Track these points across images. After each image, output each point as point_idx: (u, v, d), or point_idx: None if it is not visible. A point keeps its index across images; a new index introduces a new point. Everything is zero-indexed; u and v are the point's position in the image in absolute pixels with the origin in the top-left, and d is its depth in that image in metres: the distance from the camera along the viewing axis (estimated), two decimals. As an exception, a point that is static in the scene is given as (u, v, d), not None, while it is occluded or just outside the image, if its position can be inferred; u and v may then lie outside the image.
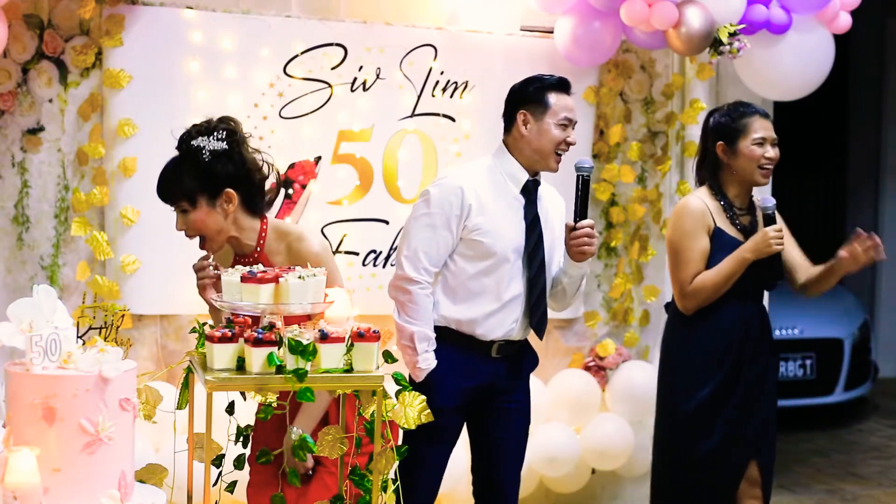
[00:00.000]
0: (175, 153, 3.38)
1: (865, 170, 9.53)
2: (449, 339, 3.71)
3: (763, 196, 4.09)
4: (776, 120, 5.67)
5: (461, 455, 4.26)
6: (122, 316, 3.14)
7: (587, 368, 5.24)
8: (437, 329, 3.71)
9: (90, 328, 2.99)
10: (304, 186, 4.73)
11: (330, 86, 4.73)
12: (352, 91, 4.76)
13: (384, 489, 2.93)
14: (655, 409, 4.27)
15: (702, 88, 5.33)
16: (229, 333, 2.81)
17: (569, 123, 3.73)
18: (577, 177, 3.70)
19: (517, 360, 3.83)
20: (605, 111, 5.21)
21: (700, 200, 4.07)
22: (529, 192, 3.76)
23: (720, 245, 4.01)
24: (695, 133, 5.37)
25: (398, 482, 2.98)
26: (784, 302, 6.09)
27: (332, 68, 4.72)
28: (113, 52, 4.41)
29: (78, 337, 2.71)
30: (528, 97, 3.75)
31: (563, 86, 3.77)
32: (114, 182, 4.47)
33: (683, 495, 4.12)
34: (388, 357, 2.95)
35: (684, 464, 4.10)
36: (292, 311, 2.85)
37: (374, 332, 2.84)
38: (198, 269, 3.37)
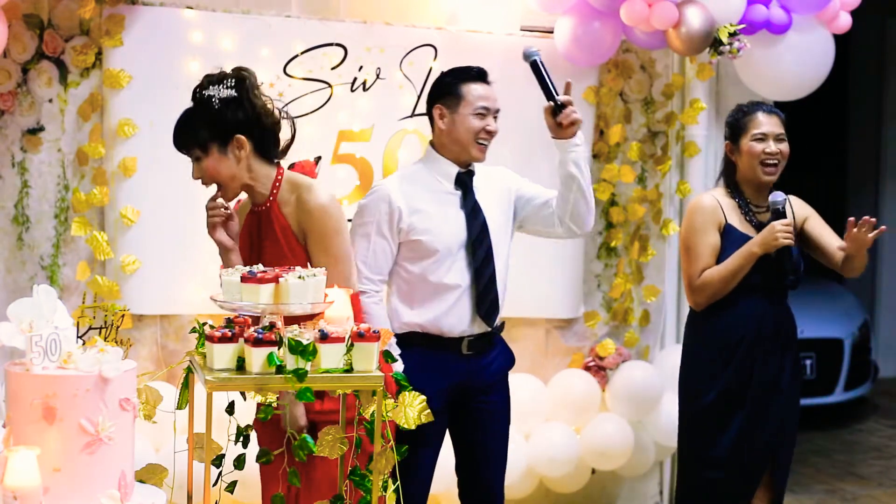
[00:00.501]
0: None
1: (865, 170, 9.53)
2: (417, 343, 3.74)
3: (774, 192, 4.08)
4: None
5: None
6: (122, 316, 3.14)
7: (587, 368, 5.24)
8: (403, 336, 3.73)
9: (90, 328, 2.99)
10: (304, 186, 4.73)
11: (330, 86, 4.73)
12: (352, 91, 4.76)
13: (384, 489, 2.93)
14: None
15: (702, 88, 5.33)
16: (229, 333, 2.81)
17: (486, 112, 3.76)
18: (530, 65, 3.75)
19: (492, 357, 3.85)
20: (605, 111, 5.21)
21: (713, 198, 4.10)
22: (465, 183, 3.79)
23: (731, 241, 4.03)
24: (695, 133, 5.38)
25: (398, 482, 2.98)
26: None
27: (332, 68, 4.73)
28: (113, 52, 4.41)
29: (78, 337, 2.71)
30: (441, 91, 3.81)
31: (478, 75, 3.80)
32: (114, 182, 4.47)
33: (700, 493, 4.11)
34: (388, 357, 2.95)
35: (699, 462, 4.09)
36: (292, 311, 2.85)
37: (374, 332, 2.84)
38: (209, 207, 3.42)
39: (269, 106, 3.45)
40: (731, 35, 4.74)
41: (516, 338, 5.20)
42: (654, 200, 5.33)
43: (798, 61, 5.02)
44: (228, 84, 3.37)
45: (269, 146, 3.45)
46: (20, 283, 4.43)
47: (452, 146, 3.79)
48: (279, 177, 3.45)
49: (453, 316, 3.75)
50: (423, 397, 3.00)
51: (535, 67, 3.76)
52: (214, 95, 3.36)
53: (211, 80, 3.40)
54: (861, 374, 7.76)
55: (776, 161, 4.04)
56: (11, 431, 2.54)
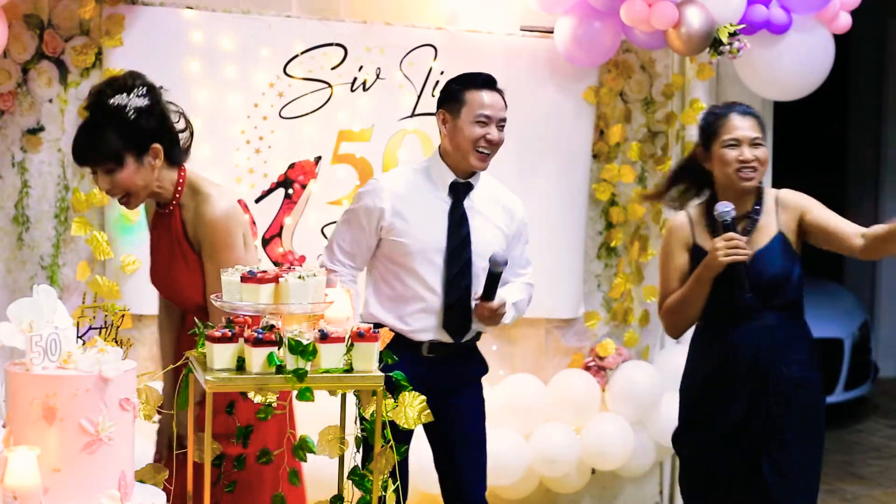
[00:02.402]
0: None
1: (865, 170, 9.52)
2: None
3: (721, 202, 3.65)
4: (776, 120, 5.69)
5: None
6: (122, 316, 3.14)
7: (587, 368, 5.24)
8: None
9: (90, 328, 2.99)
10: (304, 186, 4.73)
11: (330, 86, 4.73)
12: (352, 91, 4.76)
13: (384, 489, 2.93)
14: None
15: (702, 88, 5.33)
16: (229, 333, 2.81)
17: (488, 121, 3.73)
18: (489, 270, 3.68)
19: (457, 364, 3.81)
20: (605, 111, 5.21)
21: (684, 215, 3.79)
22: (458, 193, 3.78)
23: (695, 263, 3.69)
24: (695, 133, 5.36)
25: (398, 482, 2.98)
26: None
27: (332, 68, 4.73)
28: (113, 52, 4.41)
29: (78, 337, 2.71)
30: (446, 97, 3.80)
31: (484, 83, 3.77)
32: (114, 182, 4.46)
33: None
34: (388, 357, 2.95)
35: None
36: (292, 311, 2.85)
37: (374, 332, 2.84)
38: None
39: (173, 109, 3.38)
40: (731, 35, 4.73)
41: (516, 338, 5.20)
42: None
43: (798, 61, 5.01)
44: (140, 92, 3.25)
45: (177, 151, 3.36)
46: (20, 283, 4.44)
47: (453, 153, 3.76)
48: (181, 180, 3.37)
49: (417, 322, 3.72)
50: (423, 397, 3.00)
51: (489, 277, 3.69)
52: (127, 105, 3.22)
53: (115, 87, 3.26)
54: (861, 374, 7.76)
55: (753, 167, 3.66)
56: (11, 431, 2.53)
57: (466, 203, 3.79)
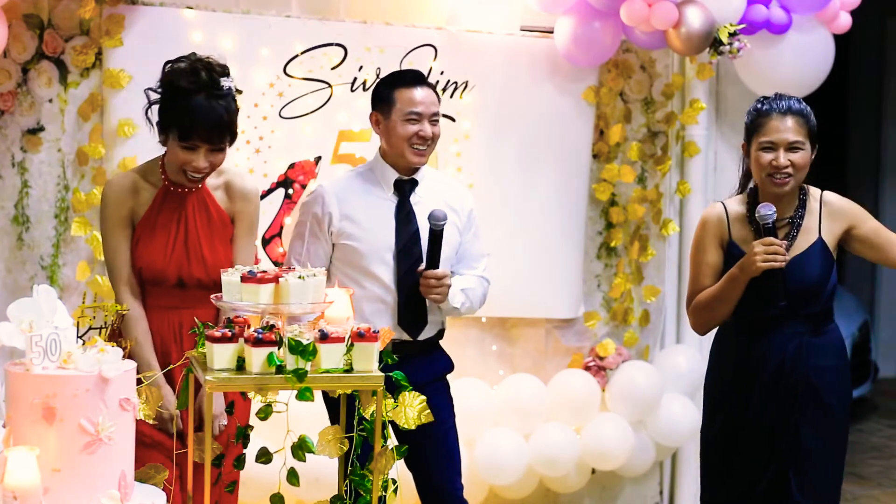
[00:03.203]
0: None
1: (865, 170, 9.52)
2: None
3: (764, 204, 3.53)
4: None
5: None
6: (122, 316, 3.15)
7: (587, 368, 5.24)
8: None
9: (90, 328, 3.00)
10: (304, 186, 4.73)
11: (330, 86, 4.73)
12: (352, 91, 4.76)
13: (384, 489, 2.94)
14: None
15: (702, 88, 5.32)
16: (229, 333, 2.81)
17: (419, 118, 3.73)
18: (430, 228, 3.68)
19: (420, 363, 3.77)
20: (605, 111, 5.21)
21: (721, 208, 3.64)
22: (403, 190, 3.79)
23: (730, 260, 3.58)
24: (695, 133, 5.38)
25: (398, 482, 2.98)
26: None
27: (332, 68, 4.72)
28: (113, 52, 4.41)
29: (78, 337, 2.71)
30: (376, 98, 3.82)
31: (413, 80, 3.78)
32: (114, 182, 4.46)
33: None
34: (388, 357, 2.95)
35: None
36: (292, 312, 2.85)
37: (374, 332, 2.84)
38: None
39: None
40: (731, 35, 4.73)
41: (516, 338, 5.21)
42: (654, 200, 5.32)
43: (798, 61, 5.01)
44: (231, 76, 3.45)
45: None
46: (20, 283, 4.43)
47: (391, 152, 3.79)
48: None
49: (379, 322, 3.69)
50: (423, 397, 3.00)
51: (431, 235, 3.69)
52: (231, 87, 3.43)
53: (218, 71, 3.42)
54: (861, 374, 7.75)
55: (786, 173, 3.52)
56: (11, 431, 2.53)
57: (413, 199, 3.81)
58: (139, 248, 3.46)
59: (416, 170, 3.82)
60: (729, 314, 3.61)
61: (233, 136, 3.43)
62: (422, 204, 3.81)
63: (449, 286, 3.74)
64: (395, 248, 3.75)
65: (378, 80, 3.91)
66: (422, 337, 3.80)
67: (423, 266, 3.72)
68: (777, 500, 3.58)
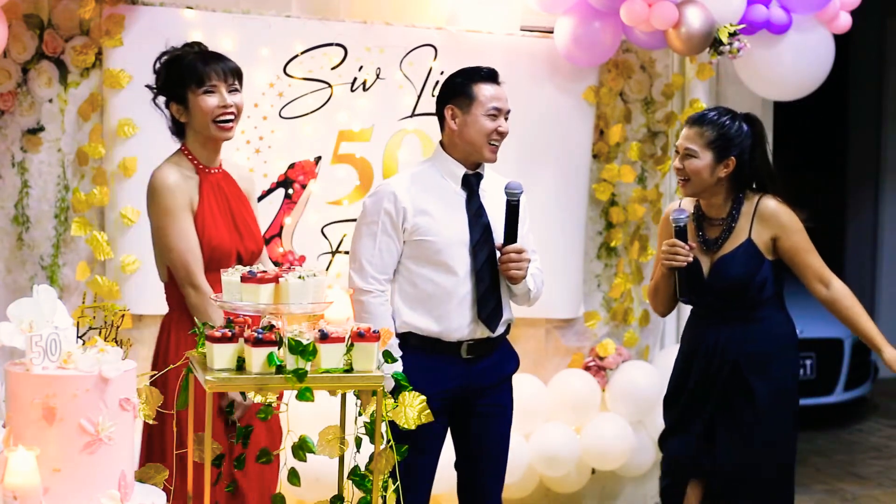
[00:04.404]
0: None
1: (865, 170, 9.52)
2: (414, 345, 3.67)
3: (678, 209, 3.93)
4: (776, 120, 5.69)
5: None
6: (122, 316, 3.14)
7: (587, 368, 5.25)
8: (402, 335, 3.69)
9: (90, 328, 2.99)
10: (304, 186, 4.73)
11: (330, 86, 4.73)
12: (352, 91, 4.76)
13: (384, 489, 2.93)
14: None
15: (702, 88, 5.33)
16: (229, 333, 2.81)
17: (498, 113, 3.73)
18: (507, 200, 3.69)
19: (493, 360, 3.80)
20: (605, 111, 5.21)
21: (677, 205, 4.02)
22: (471, 185, 3.77)
23: None
24: (695, 133, 5.38)
25: (398, 483, 2.98)
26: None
27: (332, 68, 4.73)
28: (113, 52, 4.42)
29: (78, 337, 2.71)
30: (454, 91, 3.77)
31: (489, 76, 3.78)
32: (114, 182, 4.47)
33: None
34: (388, 357, 2.95)
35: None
36: (292, 311, 2.85)
37: (374, 332, 2.84)
38: None
39: None
40: (731, 35, 4.73)
41: (517, 338, 5.18)
42: (654, 200, 5.33)
43: (798, 61, 5.01)
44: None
45: None
46: (20, 283, 4.44)
47: (464, 146, 3.74)
48: None
49: (453, 320, 3.68)
50: (423, 397, 3.00)
51: (509, 207, 3.70)
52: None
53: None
54: (861, 374, 7.75)
55: (684, 177, 3.86)
56: (11, 431, 2.54)
57: (479, 193, 3.80)
58: (207, 231, 3.46)
59: (479, 165, 3.80)
60: (665, 302, 4.05)
61: (241, 81, 3.63)
62: (486, 198, 3.79)
63: (529, 261, 3.73)
64: (469, 242, 3.72)
65: (450, 74, 3.83)
66: (496, 333, 3.79)
67: (500, 242, 3.71)
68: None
